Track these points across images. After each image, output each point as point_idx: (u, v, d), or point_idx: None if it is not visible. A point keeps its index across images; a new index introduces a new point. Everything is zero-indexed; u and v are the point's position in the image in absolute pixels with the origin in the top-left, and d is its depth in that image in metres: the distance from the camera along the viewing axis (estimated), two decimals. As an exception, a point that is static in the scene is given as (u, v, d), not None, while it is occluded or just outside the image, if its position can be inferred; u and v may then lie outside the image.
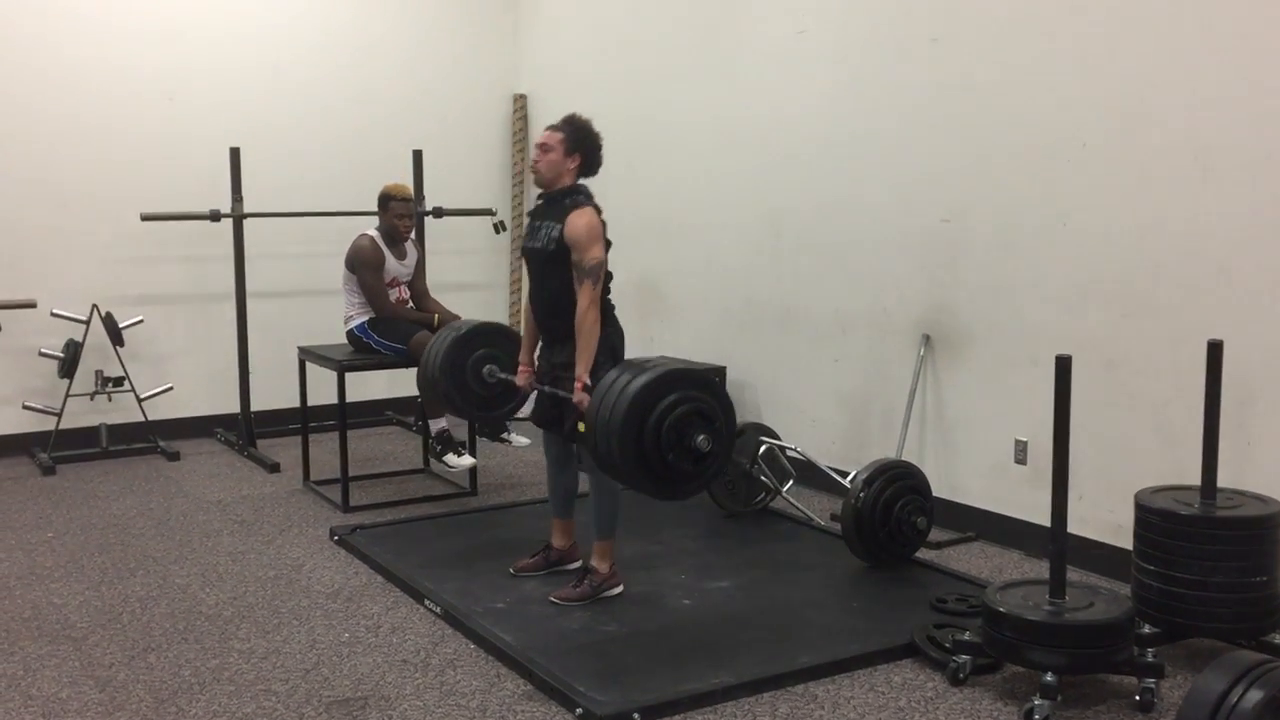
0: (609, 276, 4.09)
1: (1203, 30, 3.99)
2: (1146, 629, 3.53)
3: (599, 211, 4.05)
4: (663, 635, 3.80)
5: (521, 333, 4.44)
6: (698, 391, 3.52)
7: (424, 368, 4.70)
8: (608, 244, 4.06)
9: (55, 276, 6.44)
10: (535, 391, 4.28)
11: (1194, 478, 3.65)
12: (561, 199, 4.04)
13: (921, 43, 4.97)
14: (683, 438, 3.47)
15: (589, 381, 3.87)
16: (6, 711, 3.32)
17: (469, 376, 4.57)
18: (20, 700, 3.39)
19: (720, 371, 6.02)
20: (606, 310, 4.12)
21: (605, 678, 3.44)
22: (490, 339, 4.65)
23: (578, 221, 3.95)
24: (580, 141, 4.06)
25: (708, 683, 3.39)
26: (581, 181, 4.11)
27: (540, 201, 4.15)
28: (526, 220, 4.23)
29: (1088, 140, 4.35)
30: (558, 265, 4.00)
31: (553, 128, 4.09)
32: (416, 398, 5.76)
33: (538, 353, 4.29)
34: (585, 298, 3.92)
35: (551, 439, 4.27)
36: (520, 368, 4.36)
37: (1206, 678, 2.48)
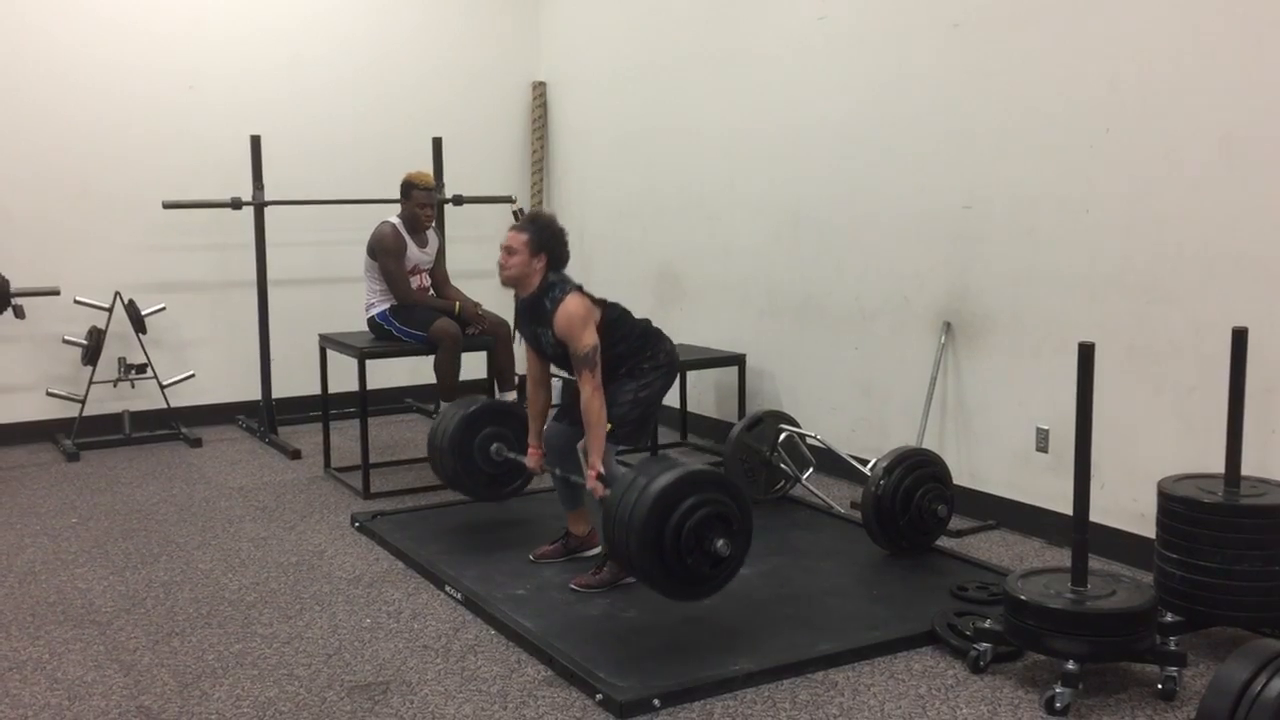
0: (628, 329, 4.12)
1: (1227, 14, 3.95)
2: (1169, 617, 3.51)
3: (579, 289, 4.06)
4: (682, 622, 3.81)
5: (528, 412, 4.41)
6: (716, 493, 3.50)
7: (432, 446, 4.72)
8: (601, 304, 4.07)
9: (78, 264, 6.49)
10: (545, 471, 4.35)
11: (1217, 466, 3.62)
12: (541, 300, 4.04)
13: (943, 28, 4.94)
14: (702, 541, 3.44)
15: (603, 470, 3.92)
16: (33, 694, 3.36)
17: (476, 455, 4.58)
18: (46, 683, 3.43)
19: (740, 359, 6.01)
20: (647, 330, 4.19)
21: (625, 664, 3.45)
22: (497, 418, 4.66)
23: (561, 317, 3.97)
24: (545, 241, 4.04)
25: (728, 669, 3.40)
26: (552, 276, 4.07)
27: (519, 308, 4.17)
28: (515, 318, 4.21)
29: (1110, 126, 4.31)
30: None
31: (516, 228, 4.10)
32: (436, 384, 5.78)
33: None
34: (587, 387, 3.94)
35: (553, 432, 4.28)
36: (530, 449, 4.39)
37: (1229, 666, 2.47)
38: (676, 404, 6.26)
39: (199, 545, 4.73)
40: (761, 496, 5.16)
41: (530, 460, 4.39)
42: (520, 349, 5.16)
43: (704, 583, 3.54)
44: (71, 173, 6.50)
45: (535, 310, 4.07)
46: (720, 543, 3.45)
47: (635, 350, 4.14)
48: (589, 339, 3.96)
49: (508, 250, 4.05)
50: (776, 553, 4.51)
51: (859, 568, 4.37)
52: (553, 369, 4.30)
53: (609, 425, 3.94)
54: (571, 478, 4.14)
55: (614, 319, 4.11)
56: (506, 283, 4.11)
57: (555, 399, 4.69)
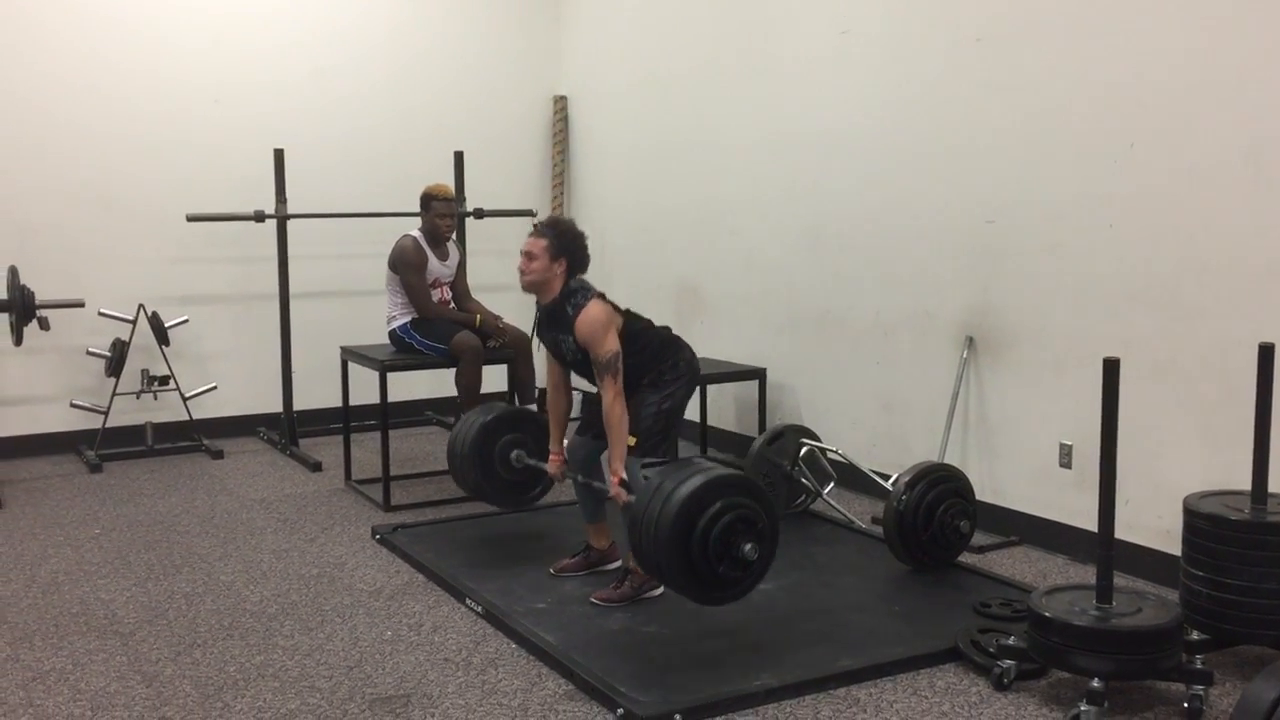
0: (649, 338, 4.12)
1: (1252, 27, 3.93)
2: (1195, 635, 3.48)
3: (602, 297, 4.06)
4: (704, 637, 3.80)
5: (549, 419, 4.40)
6: (741, 497, 3.49)
7: (451, 454, 4.70)
8: (625, 314, 4.09)
9: (103, 277, 6.53)
10: (567, 479, 4.34)
11: (1243, 482, 3.59)
12: (562, 307, 4.04)
13: (966, 42, 4.93)
14: (730, 548, 3.43)
15: (625, 476, 3.91)
16: (56, 704, 3.37)
17: (496, 462, 4.57)
18: (69, 694, 3.44)
19: (761, 373, 6.00)
20: (667, 338, 4.18)
21: (646, 678, 3.44)
22: (517, 424, 4.64)
23: (584, 323, 3.96)
24: (564, 245, 4.04)
25: (749, 684, 3.39)
26: (573, 283, 4.07)
27: (540, 316, 4.17)
28: (535, 326, 4.24)
29: (1135, 140, 4.29)
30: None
31: (535, 234, 4.09)
32: (457, 397, 5.81)
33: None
34: (609, 393, 3.93)
35: (576, 445, 4.28)
36: (551, 456, 4.37)
37: (1257, 685, 2.45)
38: (697, 417, 6.25)
39: (220, 557, 4.75)
40: (782, 511, 5.14)
41: (551, 466, 4.37)
42: (540, 362, 5.18)
43: (732, 586, 3.53)
44: (96, 186, 6.55)
45: (556, 317, 4.07)
46: (748, 547, 3.44)
47: (655, 356, 4.11)
48: (611, 344, 3.96)
49: (527, 256, 4.06)
50: (798, 568, 4.49)
51: (881, 583, 4.35)
52: (575, 379, 4.30)
53: (633, 439, 3.93)
54: (594, 484, 4.13)
55: (636, 330, 4.11)
56: (527, 288, 4.11)
57: (576, 409, 4.66)
